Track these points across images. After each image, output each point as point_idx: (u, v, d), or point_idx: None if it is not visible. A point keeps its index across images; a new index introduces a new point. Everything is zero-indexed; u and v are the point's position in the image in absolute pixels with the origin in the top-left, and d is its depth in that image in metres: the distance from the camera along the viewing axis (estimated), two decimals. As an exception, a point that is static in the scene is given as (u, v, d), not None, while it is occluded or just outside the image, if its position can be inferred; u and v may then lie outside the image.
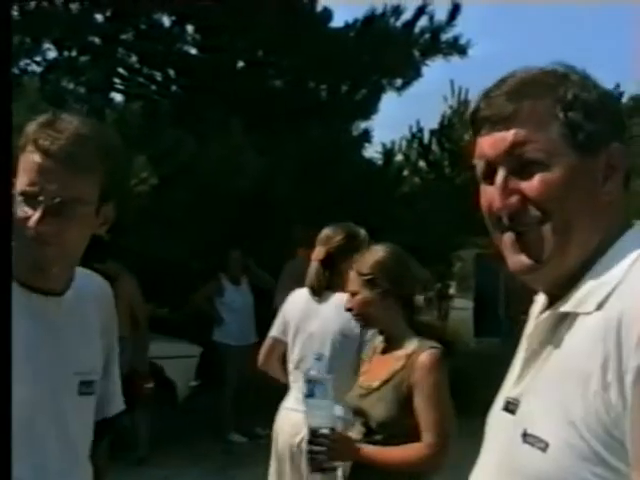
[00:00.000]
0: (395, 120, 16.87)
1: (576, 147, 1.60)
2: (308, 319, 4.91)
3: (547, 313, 1.65)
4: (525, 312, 1.85)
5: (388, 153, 15.05)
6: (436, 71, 14.77)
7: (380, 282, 3.75)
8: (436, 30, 13.62)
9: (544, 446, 1.53)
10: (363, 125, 14.25)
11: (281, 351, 5.16)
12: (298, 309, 4.97)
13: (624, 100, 17.36)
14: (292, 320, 5.02)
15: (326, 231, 4.93)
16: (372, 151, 14.88)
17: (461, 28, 13.79)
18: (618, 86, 14.66)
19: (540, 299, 1.76)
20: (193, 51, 13.42)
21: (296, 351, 4.96)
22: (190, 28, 13.21)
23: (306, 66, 12.67)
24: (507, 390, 1.73)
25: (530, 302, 1.81)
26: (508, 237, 1.65)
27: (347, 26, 13.53)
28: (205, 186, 10.13)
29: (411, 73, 13.93)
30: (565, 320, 1.60)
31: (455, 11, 13.71)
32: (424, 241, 11.65)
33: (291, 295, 5.18)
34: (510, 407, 1.67)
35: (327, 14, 13.46)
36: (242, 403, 10.51)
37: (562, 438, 1.50)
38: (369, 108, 14.10)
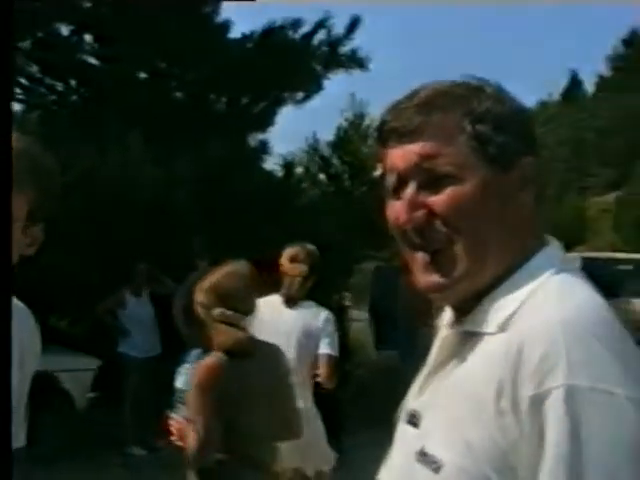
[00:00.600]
0: (291, 132, 16.94)
1: (487, 160, 1.54)
2: (281, 323, 5.74)
3: (452, 330, 1.63)
4: (428, 324, 1.81)
5: (288, 165, 15.10)
6: (337, 84, 14.80)
7: (197, 301, 4.31)
8: (334, 43, 13.67)
9: (437, 467, 1.49)
10: (260, 137, 14.26)
11: None
12: (274, 314, 5.71)
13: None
14: (266, 324, 5.26)
15: (299, 249, 5.98)
16: (271, 163, 14.89)
17: (360, 41, 13.78)
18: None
19: (448, 310, 1.70)
20: (93, 61, 13.28)
21: None
22: (89, 37, 13.09)
23: (207, 78, 12.64)
24: (410, 401, 1.69)
25: (426, 315, 1.80)
26: (421, 257, 1.58)
27: (245, 37, 13.53)
28: (104, 197, 10.04)
29: (312, 86, 13.96)
30: (470, 337, 1.57)
31: (354, 25, 13.79)
32: (323, 253, 11.70)
33: (262, 302, 5.40)
34: (412, 420, 1.63)
35: (227, 25, 13.44)
36: (143, 415, 10.41)
37: (456, 461, 1.47)
38: (266, 120, 14.10)
